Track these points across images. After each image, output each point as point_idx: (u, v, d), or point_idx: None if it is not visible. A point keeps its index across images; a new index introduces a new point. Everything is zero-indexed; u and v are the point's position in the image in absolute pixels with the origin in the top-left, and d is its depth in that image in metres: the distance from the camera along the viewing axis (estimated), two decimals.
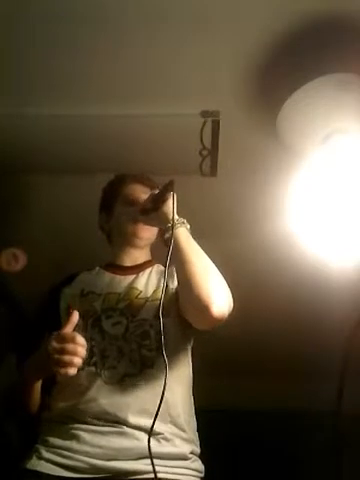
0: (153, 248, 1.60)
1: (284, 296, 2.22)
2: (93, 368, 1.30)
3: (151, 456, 1.13)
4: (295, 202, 1.47)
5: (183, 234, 1.35)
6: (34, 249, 2.04)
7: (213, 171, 1.81)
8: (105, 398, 1.27)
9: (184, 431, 1.31)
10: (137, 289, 1.43)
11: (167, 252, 1.28)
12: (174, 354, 1.33)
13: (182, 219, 1.38)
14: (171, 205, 1.36)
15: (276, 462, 2.74)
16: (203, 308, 1.24)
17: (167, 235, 1.33)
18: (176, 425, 1.29)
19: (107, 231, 1.62)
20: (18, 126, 1.66)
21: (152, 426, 1.15)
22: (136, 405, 1.26)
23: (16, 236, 2.04)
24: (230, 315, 1.31)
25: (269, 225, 1.74)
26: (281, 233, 1.61)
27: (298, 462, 2.77)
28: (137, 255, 1.55)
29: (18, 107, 1.60)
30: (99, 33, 1.41)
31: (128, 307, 1.38)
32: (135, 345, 1.32)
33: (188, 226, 1.38)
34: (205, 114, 1.61)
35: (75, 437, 1.25)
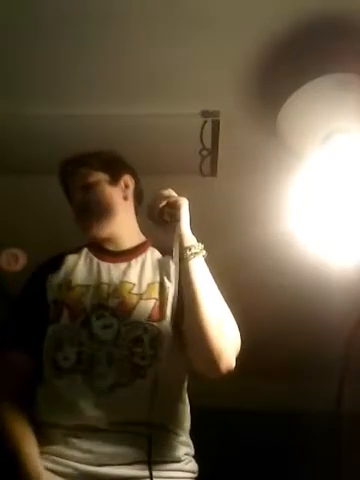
0: (147, 226, 1.43)
1: (284, 296, 2.22)
2: (81, 376, 1.20)
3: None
4: (295, 202, 1.47)
5: (198, 268, 1.21)
6: (33, 249, 2.04)
7: (213, 171, 1.81)
8: (93, 410, 1.17)
9: (179, 435, 1.25)
10: (130, 282, 1.30)
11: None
12: (169, 362, 1.22)
13: (199, 246, 1.24)
14: (185, 225, 1.25)
15: (276, 462, 2.74)
16: (211, 365, 1.16)
17: (180, 264, 1.22)
18: (169, 431, 1.23)
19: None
20: (18, 126, 1.66)
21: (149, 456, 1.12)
22: (126, 416, 1.18)
23: (15, 236, 2.04)
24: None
25: (269, 225, 1.74)
26: (281, 233, 1.60)
27: (298, 462, 2.77)
28: (120, 241, 1.40)
29: (18, 107, 1.60)
30: (99, 33, 1.41)
31: (120, 306, 1.26)
32: (126, 351, 1.22)
33: (204, 252, 1.24)
34: (205, 114, 1.61)
35: (64, 442, 1.17)
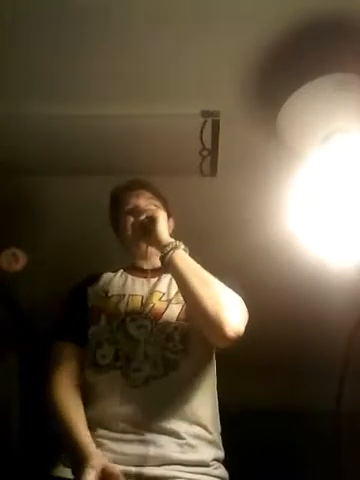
0: None
1: (284, 296, 2.22)
2: (118, 371, 1.32)
3: None
4: (295, 202, 1.47)
5: (179, 257, 1.36)
6: (33, 249, 2.05)
7: (213, 171, 1.81)
8: (130, 402, 1.28)
9: (209, 432, 1.33)
10: (160, 292, 1.45)
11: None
12: (198, 356, 1.36)
13: (175, 242, 1.38)
14: (160, 231, 1.41)
15: (276, 462, 2.74)
16: (216, 333, 1.26)
17: (164, 261, 1.37)
18: (201, 425, 1.31)
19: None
20: (18, 126, 1.66)
21: None
22: (161, 408, 1.28)
23: (16, 236, 2.04)
24: None
25: (269, 225, 1.74)
26: (281, 233, 1.60)
27: (298, 462, 2.77)
28: (154, 260, 1.53)
29: (18, 107, 1.60)
30: (99, 33, 1.41)
31: (152, 310, 1.40)
32: (159, 347, 1.34)
33: (183, 246, 1.39)
34: (205, 114, 1.61)
35: (100, 445, 1.26)
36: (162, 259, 1.37)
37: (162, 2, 1.34)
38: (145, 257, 1.53)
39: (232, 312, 1.27)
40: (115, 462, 1.22)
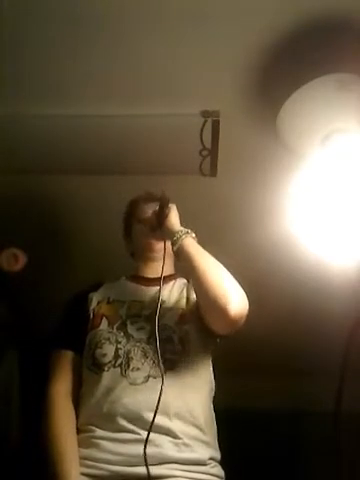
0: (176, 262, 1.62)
1: (284, 296, 2.22)
2: (118, 369, 1.35)
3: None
4: (295, 202, 1.47)
5: (189, 243, 1.44)
6: (34, 249, 2.04)
7: (213, 171, 1.81)
8: (129, 397, 1.30)
9: (204, 433, 1.34)
10: (161, 300, 1.47)
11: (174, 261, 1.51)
12: (195, 358, 1.39)
13: (186, 229, 1.46)
14: (173, 219, 1.49)
15: (275, 462, 2.74)
16: (221, 309, 1.30)
17: (175, 248, 1.44)
18: (197, 427, 1.33)
19: (132, 252, 1.68)
20: (18, 126, 1.66)
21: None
22: (158, 406, 1.29)
23: (15, 236, 2.04)
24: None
25: (269, 225, 1.74)
26: (281, 233, 1.61)
27: (298, 462, 2.77)
28: (158, 268, 1.56)
29: (18, 107, 1.60)
30: (99, 33, 1.41)
31: (152, 314, 1.42)
32: (159, 348, 1.36)
33: (193, 235, 1.46)
34: (205, 114, 1.61)
35: (96, 445, 1.28)
36: (175, 243, 1.44)
37: (162, 2, 1.34)
38: (154, 253, 1.58)
39: (237, 296, 1.33)
40: (112, 463, 1.24)
